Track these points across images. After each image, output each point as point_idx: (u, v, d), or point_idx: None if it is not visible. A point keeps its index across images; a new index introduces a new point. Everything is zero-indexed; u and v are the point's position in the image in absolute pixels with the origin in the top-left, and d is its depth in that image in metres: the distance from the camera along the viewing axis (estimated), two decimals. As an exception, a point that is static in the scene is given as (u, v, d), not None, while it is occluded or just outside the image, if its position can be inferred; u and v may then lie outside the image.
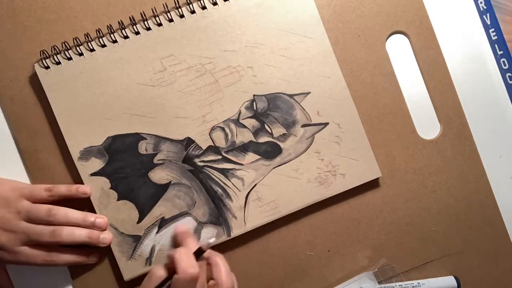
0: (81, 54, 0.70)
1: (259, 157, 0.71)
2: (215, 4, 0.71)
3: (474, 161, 0.76)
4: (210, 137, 0.71)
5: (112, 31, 0.70)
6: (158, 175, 0.71)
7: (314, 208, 0.74)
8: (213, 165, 0.71)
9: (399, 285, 0.74)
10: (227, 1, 0.71)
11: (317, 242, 0.75)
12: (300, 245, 0.75)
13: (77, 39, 0.70)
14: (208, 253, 0.64)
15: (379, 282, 0.75)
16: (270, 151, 0.71)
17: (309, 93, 0.72)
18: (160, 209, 0.71)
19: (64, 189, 0.69)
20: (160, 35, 0.70)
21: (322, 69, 0.72)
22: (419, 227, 0.76)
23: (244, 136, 0.71)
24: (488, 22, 0.77)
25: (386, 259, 0.75)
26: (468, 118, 0.76)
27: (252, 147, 0.71)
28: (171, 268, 0.59)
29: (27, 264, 0.67)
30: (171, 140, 0.71)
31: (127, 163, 0.70)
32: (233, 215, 0.71)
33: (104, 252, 0.72)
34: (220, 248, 0.72)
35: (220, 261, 0.64)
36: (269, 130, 0.71)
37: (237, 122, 0.71)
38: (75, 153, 0.70)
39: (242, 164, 0.71)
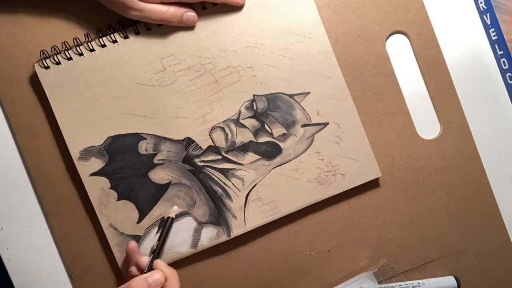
0: (81, 54, 0.70)
1: (259, 157, 0.71)
2: (215, 4, 0.71)
3: (474, 161, 0.76)
4: (210, 137, 0.71)
5: (112, 31, 0.70)
6: (158, 175, 0.71)
7: (314, 208, 0.74)
8: (213, 165, 0.71)
9: (399, 285, 0.74)
10: (227, 1, 0.71)
11: (317, 242, 0.75)
12: (300, 245, 0.75)
13: (77, 39, 0.70)
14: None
15: (379, 282, 0.75)
16: (270, 151, 0.71)
17: (309, 93, 0.72)
18: (160, 209, 0.71)
19: None
20: (160, 35, 0.70)
21: (322, 69, 0.72)
22: (419, 227, 0.76)
23: (244, 136, 0.71)
24: (488, 22, 0.77)
25: (386, 259, 0.75)
26: (468, 118, 0.76)
27: (252, 147, 0.71)
28: None
29: None
30: (171, 140, 0.71)
31: (127, 163, 0.70)
32: (233, 215, 0.71)
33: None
34: (220, 248, 0.73)
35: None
36: (269, 130, 0.71)
37: (237, 122, 0.71)
38: (75, 153, 0.70)
39: (242, 164, 0.71)
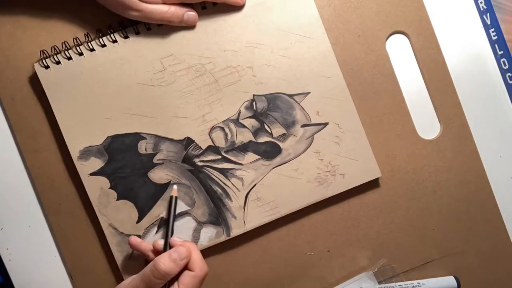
0: (81, 54, 0.70)
1: (259, 157, 0.71)
2: (215, 4, 0.71)
3: (474, 161, 0.76)
4: (210, 137, 0.71)
5: (112, 31, 0.70)
6: (158, 175, 0.71)
7: (314, 208, 0.74)
8: (212, 165, 0.71)
9: (399, 285, 0.74)
10: (227, 1, 0.71)
11: (317, 242, 0.75)
12: (300, 245, 0.75)
13: (77, 39, 0.70)
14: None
15: (379, 282, 0.75)
16: (270, 151, 0.71)
17: (309, 93, 0.72)
18: (159, 209, 0.71)
19: None
20: (160, 34, 0.70)
21: (322, 69, 0.72)
22: (419, 227, 0.76)
23: (243, 136, 0.71)
24: (488, 22, 0.77)
25: (386, 259, 0.75)
26: (468, 118, 0.76)
27: (252, 147, 0.71)
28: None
29: None
30: (170, 140, 0.71)
31: (126, 163, 0.70)
32: (232, 215, 0.71)
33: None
34: (219, 248, 0.73)
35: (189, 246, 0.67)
36: (269, 130, 0.71)
37: (236, 122, 0.71)
38: (74, 152, 0.70)
39: (241, 164, 0.71)
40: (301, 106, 0.72)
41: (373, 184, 0.75)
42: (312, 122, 0.72)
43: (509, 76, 0.77)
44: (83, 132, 0.70)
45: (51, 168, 0.72)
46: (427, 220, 0.76)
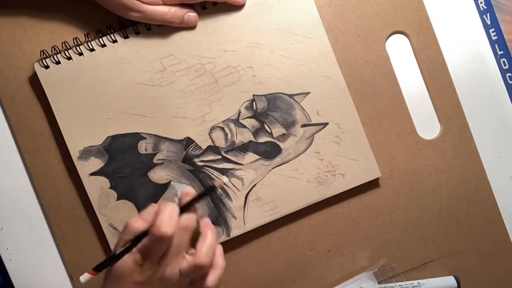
0: (81, 54, 0.70)
1: (259, 157, 0.71)
2: (215, 4, 0.71)
3: (474, 161, 0.76)
4: (210, 137, 0.71)
5: (112, 31, 0.70)
6: (158, 175, 0.71)
7: (314, 208, 0.74)
8: (212, 165, 0.71)
9: (399, 285, 0.74)
10: (228, 1, 0.71)
11: (317, 242, 0.75)
12: (300, 245, 0.75)
13: (77, 39, 0.70)
14: (205, 223, 0.64)
15: (379, 282, 0.75)
16: (270, 151, 0.71)
17: (309, 93, 0.72)
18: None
19: None
20: (160, 35, 0.70)
21: (322, 69, 0.72)
22: (419, 227, 0.76)
23: (243, 136, 0.71)
24: (488, 22, 0.77)
25: (386, 259, 0.75)
26: (468, 118, 0.76)
27: (252, 147, 0.71)
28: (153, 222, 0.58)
29: None
30: (170, 140, 0.71)
31: (126, 163, 0.70)
32: (232, 215, 0.71)
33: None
34: (219, 248, 0.73)
35: (209, 235, 0.63)
36: (269, 130, 0.71)
37: (236, 122, 0.71)
38: (74, 152, 0.70)
39: (241, 164, 0.71)
40: (301, 106, 0.72)
41: (373, 184, 0.75)
42: (312, 122, 0.72)
43: (509, 76, 0.77)
44: (83, 132, 0.70)
45: (51, 168, 0.72)
46: (427, 220, 0.76)
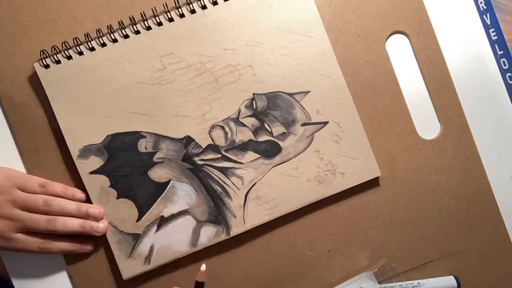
0: (81, 53, 0.70)
1: (259, 156, 0.71)
2: (215, 3, 0.71)
3: (474, 161, 0.76)
4: (210, 135, 0.71)
5: (112, 30, 0.70)
6: (158, 174, 0.71)
7: (314, 208, 0.74)
8: (212, 164, 0.71)
9: (399, 285, 0.74)
10: (228, 0, 0.71)
11: (317, 242, 0.75)
12: (300, 245, 0.75)
13: (77, 39, 0.70)
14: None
15: (379, 282, 0.75)
16: (270, 150, 0.71)
17: (309, 92, 0.72)
18: (159, 208, 0.71)
19: (59, 190, 0.70)
20: (160, 34, 0.70)
21: (322, 68, 0.72)
22: (419, 227, 0.76)
23: (243, 135, 0.71)
24: (488, 22, 0.77)
25: (386, 259, 0.75)
26: (468, 118, 0.76)
27: (252, 146, 0.71)
28: None
29: (22, 251, 0.68)
30: (170, 139, 0.71)
31: (126, 162, 0.70)
32: (232, 214, 0.71)
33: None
34: (219, 247, 0.73)
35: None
36: (269, 129, 0.71)
37: (236, 120, 0.71)
38: (74, 151, 0.70)
39: (241, 163, 0.71)
40: (301, 105, 0.72)
41: (373, 184, 0.75)
42: (312, 121, 0.72)
43: (509, 76, 0.77)
44: (83, 131, 0.70)
45: (51, 167, 0.72)
46: (427, 220, 0.76)
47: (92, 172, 0.70)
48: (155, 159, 0.70)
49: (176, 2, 0.70)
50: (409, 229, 0.76)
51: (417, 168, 0.75)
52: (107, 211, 0.70)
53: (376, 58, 0.75)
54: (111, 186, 0.70)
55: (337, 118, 0.72)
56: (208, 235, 0.71)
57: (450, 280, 0.75)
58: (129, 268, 0.71)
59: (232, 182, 0.71)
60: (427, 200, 0.76)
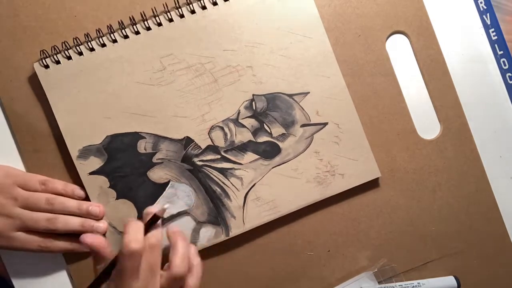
0: (81, 54, 0.70)
1: (258, 156, 0.71)
2: (215, 4, 0.71)
3: (474, 161, 0.76)
4: (209, 136, 0.71)
5: (112, 30, 0.70)
6: (157, 174, 0.71)
7: (314, 208, 0.74)
8: (212, 165, 0.71)
9: (399, 285, 0.74)
10: (227, 1, 0.71)
11: (317, 242, 0.75)
12: (300, 245, 0.75)
13: (77, 39, 0.70)
14: (172, 233, 0.64)
15: (379, 282, 0.75)
16: (269, 151, 0.71)
17: (309, 93, 0.72)
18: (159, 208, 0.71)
19: (60, 187, 0.69)
20: (160, 34, 0.70)
21: (322, 69, 0.72)
22: (419, 227, 0.76)
23: (243, 136, 0.71)
24: (488, 22, 0.77)
25: (386, 259, 0.75)
26: (468, 118, 0.76)
27: (251, 147, 0.71)
28: None
29: (22, 250, 0.68)
30: (170, 139, 0.71)
31: (126, 162, 0.70)
32: (232, 215, 0.71)
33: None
34: (219, 248, 0.73)
35: (179, 243, 0.63)
36: (268, 130, 0.71)
37: (236, 121, 0.71)
38: (74, 151, 0.70)
39: (241, 164, 0.71)
40: (301, 106, 0.71)
41: (373, 184, 0.74)
42: (311, 122, 0.72)
43: (509, 76, 0.77)
44: (82, 131, 0.70)
45: (50, 168, 0.72)
46: (427, 220, 0.76)
47: (92, 173, 0.70)
48: (154, 159, 0.70)
49: (176, 3, 0.70)
50: (409, 229, 0.76)
51: (417, 168, 0.75)
52: (107, 212, 0.70)
53: (376, 58, 0.75)
54: (110, 186, 0.70)
55: (337, 119, 0.72)
56: (208, 236, 0.71)
57: (450, 280, 0.75)
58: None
59: (232, 183, 0.71)
60: (427, 200, 0.76)
